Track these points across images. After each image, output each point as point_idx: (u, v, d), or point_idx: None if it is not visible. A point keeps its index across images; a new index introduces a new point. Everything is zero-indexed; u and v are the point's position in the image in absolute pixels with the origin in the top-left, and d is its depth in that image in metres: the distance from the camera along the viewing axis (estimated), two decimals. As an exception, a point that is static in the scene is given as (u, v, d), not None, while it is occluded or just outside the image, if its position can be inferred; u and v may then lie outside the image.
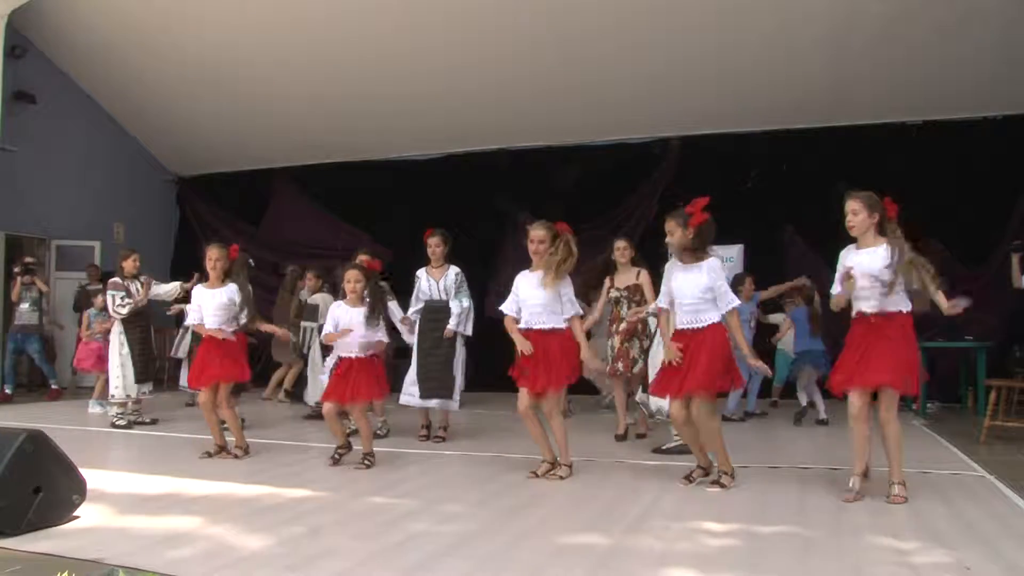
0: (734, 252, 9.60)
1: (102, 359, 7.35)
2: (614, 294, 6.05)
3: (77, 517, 3.53)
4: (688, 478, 4.39)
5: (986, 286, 8.81)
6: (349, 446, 5.05)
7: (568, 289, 4.54)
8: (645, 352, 5.90)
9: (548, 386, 4.47)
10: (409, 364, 6.10)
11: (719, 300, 4.21)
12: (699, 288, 4.20)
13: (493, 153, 10.73)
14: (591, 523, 3.55)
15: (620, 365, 6.01)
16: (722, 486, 4.25)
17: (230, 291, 5.23)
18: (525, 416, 4.59)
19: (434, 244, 5.94)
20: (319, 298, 7.59)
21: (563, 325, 4.52)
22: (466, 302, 5.95)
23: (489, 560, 2.99)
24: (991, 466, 4.89)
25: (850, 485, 4.01)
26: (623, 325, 5.97)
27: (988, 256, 8.88)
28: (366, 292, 4.99)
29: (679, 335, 4.30)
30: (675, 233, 4.25)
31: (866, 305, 4.00)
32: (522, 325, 4.57)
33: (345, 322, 4.90)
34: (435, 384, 5.89)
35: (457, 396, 6.01)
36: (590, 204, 9.92)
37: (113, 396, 6.83)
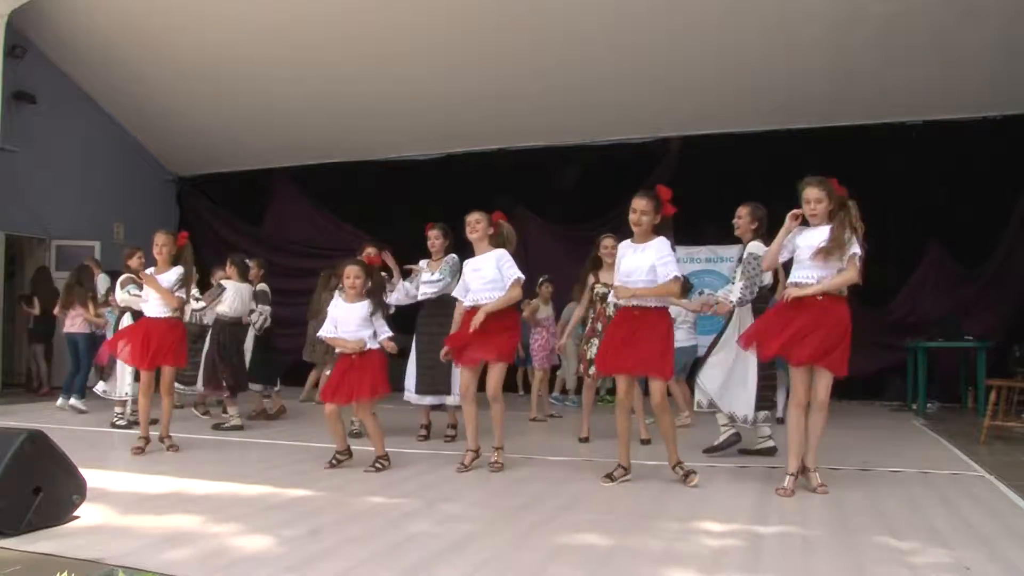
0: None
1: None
2: (600, 289, 5.91)
3: (77, 517, 3.53)
4: (609, 477, 4.44)
5: (986, 286, 8.83)
6: (350, 452, 4.98)
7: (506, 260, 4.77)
8: None
9: (484, 358, 4.68)
10: (407, 361, 6.04)
11: (658, 272, 4.24)
12: (646, 267, 4.27)
13: (493, 153, 10.73)
14: (591, 523, 3.55)
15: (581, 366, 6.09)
16: (690, 476, 4.36)
17: (175, 273, 5.47)
18: (464, 398, 4.78)
19: (434, 237, 5.92)
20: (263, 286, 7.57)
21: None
22: (447, 277, 5.82)
23: (489, 560, 2.99)
24: (991, 466, 4.89)
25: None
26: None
27: (988, 256, 8.89)
28: (367, 288, 4.91)
29: (625, 313, 4.36)
30: (648, 213, 4.30)
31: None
32: (468, 303, 4.81)
33: (343, 319, 4.85)
34: (433, 380, 5.85)
35: (456, 391, 5.82)
36: (590, 204, 9.92)
37: (125, 394, 6.85)
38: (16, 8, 9.06)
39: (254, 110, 10.57)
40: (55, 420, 7.03)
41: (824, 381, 4.08)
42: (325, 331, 4.94)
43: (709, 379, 5.19)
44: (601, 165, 10.23)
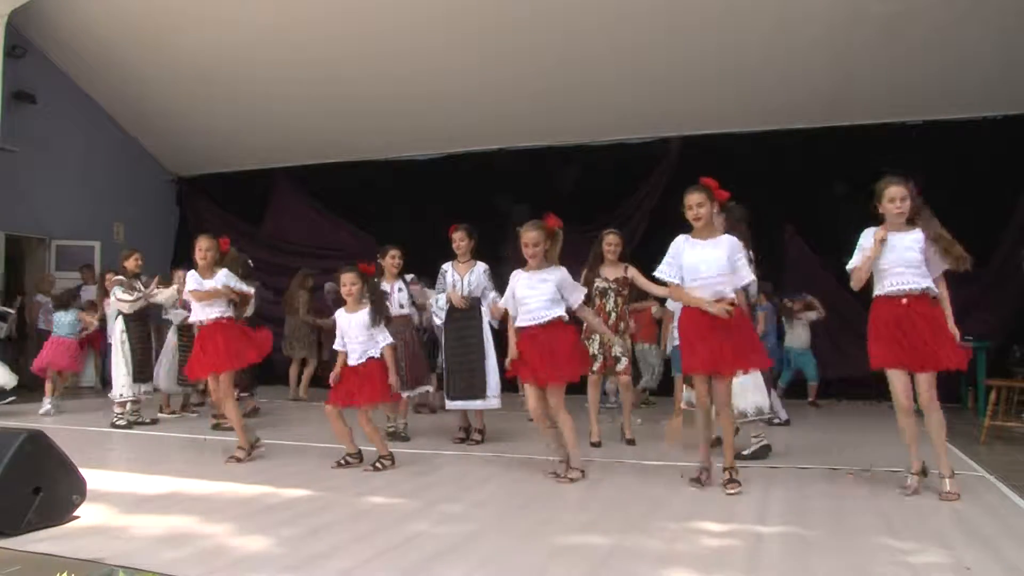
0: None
1: (74, 359, 7.82)
2: (601, 285, 5.81)
3: (77, 517, 3.53)
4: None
5: (986, 286, 8.81)
6: (360, 456, 4.95)
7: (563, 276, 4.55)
8: (630, 350, 5.81)
9: (550, 379, 4.45)
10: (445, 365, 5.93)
11: (736, 274, 4.20)
12: (719, 264, 4.16)
13: (493, 153, 10.73)
14: (591, 523, 3.55)
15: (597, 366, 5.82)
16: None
17: (223, 277, 5.22)
18: (538, 420, 4.56)
19: (458, 239, 5.85)
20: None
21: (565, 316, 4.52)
22: (493, 295, 5.73)
23: (489, 560, 2.99)
24: (991, 466, 4.90)
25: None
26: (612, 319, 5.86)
27: (988, 256, 8.88)
28: (364, 294, 4.89)
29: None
30: (704, 206, 4.19)
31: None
32: (525, 322, 4.53)
33: (348, 330, 4.84)
34: (465, 385, 5.74)
35: (492, 394, 5.72)
36: (590, 204, 9.91)
37: (121, 395, 6.84)
38: (16, 8, 9.06)
39: (254, 110, 10.56)
40: (55, 420, 7.03)
41: (929, 381, 4.13)
42: (337, 345, 4.91)
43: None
44: (601, 165, 10.22)
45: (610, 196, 10.03)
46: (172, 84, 10.36)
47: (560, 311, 4.47)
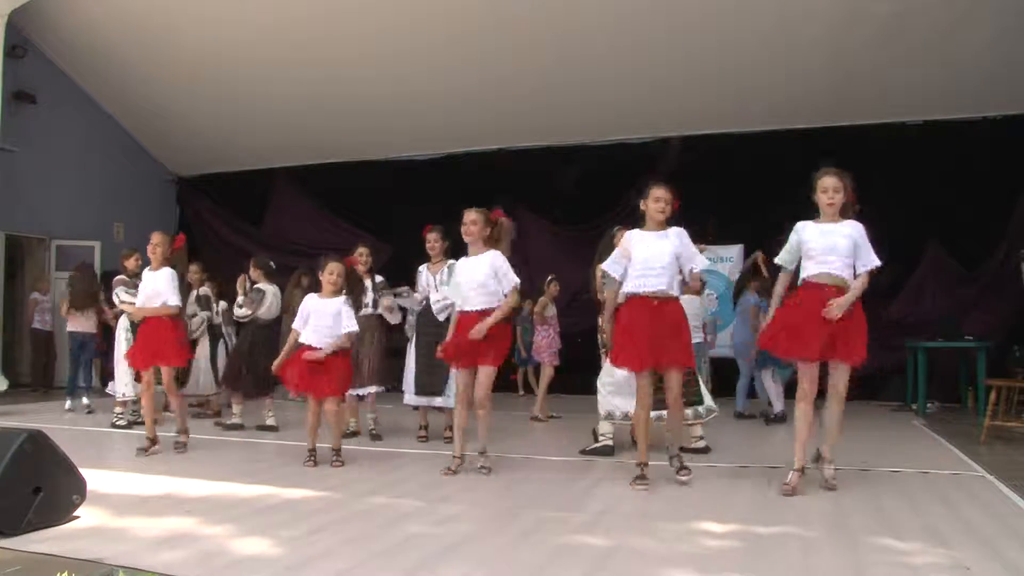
0: (734, 252, 9.62)
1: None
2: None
3: (77, 517, 3.53)
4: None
5: (986, 286, 8.82)
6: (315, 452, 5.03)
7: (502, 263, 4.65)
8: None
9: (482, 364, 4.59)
10: (404, 363, 6.02)
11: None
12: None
13: (493, 153, 10.74)
14: (591, 523, 3.55)
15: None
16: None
17: (166, 276, 5.37)
18: (460, 402, 4.70)
19: (432, 240, 5.90)
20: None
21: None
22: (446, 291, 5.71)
23: (489, 560, 2.99)
24: (991, 466, 4.89)
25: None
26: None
27: (988, 256, 8.89)
28: (344, 288, 5.01)
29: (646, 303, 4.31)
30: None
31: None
32: (463, 308, 4.67)
33: (318, 314, 4.91)
34: (435, 381, 5.83)
35: (449, 393, 5.76)
36: (590, 204, 9.92)
37: (124, 394, 6.86)
38: (16, 8, 9.06)
39: (254, 110, 10.57)
40: (55, 420, 7.03)
41: (846, 374, 4.09)
42: (296, 325, 4.99)
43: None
44: (601, 165, 10.23)
45: (610, 196, 10.02)
46: (172, 84, 10.36)
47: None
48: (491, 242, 4.73)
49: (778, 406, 7.16)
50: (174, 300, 5.36)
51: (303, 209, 11.82)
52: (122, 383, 6.84)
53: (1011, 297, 8.65)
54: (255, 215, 12.05)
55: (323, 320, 4.89)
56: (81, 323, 7.92)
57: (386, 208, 10.83)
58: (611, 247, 5.86)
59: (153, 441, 5.36)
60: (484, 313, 4.57)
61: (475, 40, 8.95)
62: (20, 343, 10.52)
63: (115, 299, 6.84)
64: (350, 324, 4.93)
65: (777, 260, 4.41)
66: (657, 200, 4.38)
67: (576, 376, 7.95)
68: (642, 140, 10.24)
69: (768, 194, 9.48)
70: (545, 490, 4.31)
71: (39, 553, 3.04)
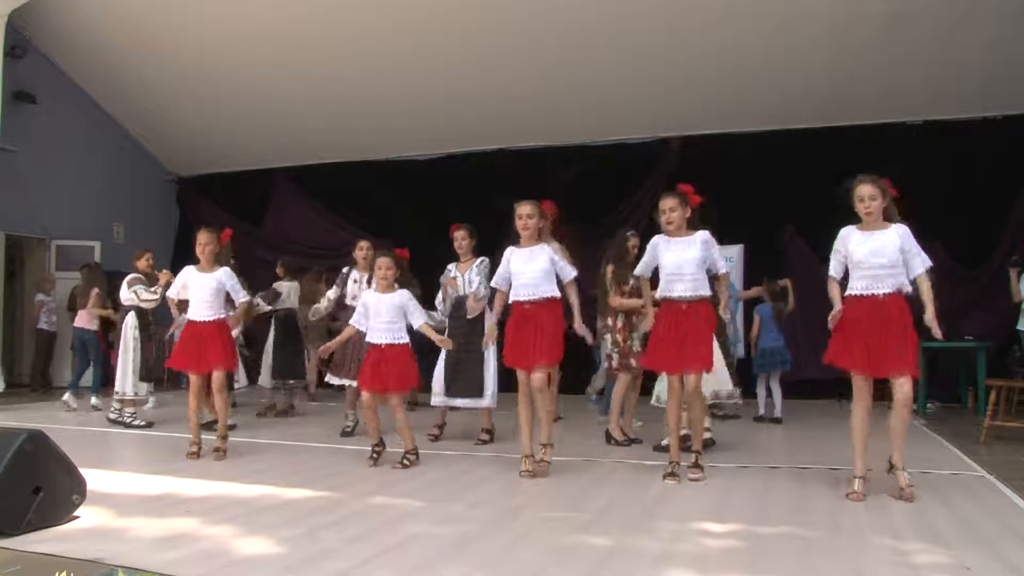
0: (734, 252, 9.60)
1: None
2: (635, 283, 5.69)
3: (77, 517, 3.53)
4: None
5: (986, 286, 8.81)
6: (382, 443, 4.96)
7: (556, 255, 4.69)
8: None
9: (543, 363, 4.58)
10: (434, 362, 5.93)
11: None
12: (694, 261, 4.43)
13: (493, 153, 10.73)
14: (591, 523, 3.55)
15: (632, 361, 5.76)
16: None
17: (223, 275, 5.26)
18: (522, 401, 4.62)
19: (460, 238, 5.87)
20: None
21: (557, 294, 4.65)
22: (477, 282, 5.73)
23: (489, 560, 2.99)
24: (991, 466, 4.90)
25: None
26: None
27: (988, 256, 8.88)
28: (397, 280, 4.90)
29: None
30: (676, 210, 4.45)
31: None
32: (521, 297, 4.65)
33: (376, 309, 4.82)
34: (465, 382, 5.74)
35: (489, 393, 5.74)
36: (590, 204, 9.91)
37: (125, 392, 6.86)
38: (16, 8, 9.06)
39: (254, 110, 10.56)
40: (55, 420, 7.03)
41: (909, 383, 3.95)
42: (355, 321, 4.93)
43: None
44: (601, 165, 10.22)
45: (610, 196, 10.03)
46: (172, 84, 10.36)
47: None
48: (544, 234, 4.84)
49: (778, 408, 7.16)
50: (243, 295, 5.42)
51: (303, 209, 11.81)
52: (128, 383, 6.85)
53: (1011, 297, 8.65)
54: (255, 215, 12.03)
55: (380, 316, 4.80)
56: (85, 320, 8.02)
57: (386, 208, 10.82)
58: (624, 251, 5.90)
59: (199, 446, 5.27)
60: (549, 302, 4.60)
61: (475, 40, 8.94)
62: (20, 343, 10.53)
63: (134, 296, 6.85)
64: (418, 316, 4.82)
65: (831, 272, 4.23)
66: (663, 212, 4.53)
67: (576, 376, 7.96)
68: (642, 140, 10.22)
69: (768, 194, 9.49)
70: (545, 490, 4.31)
71: (39, 553, 3.04)
